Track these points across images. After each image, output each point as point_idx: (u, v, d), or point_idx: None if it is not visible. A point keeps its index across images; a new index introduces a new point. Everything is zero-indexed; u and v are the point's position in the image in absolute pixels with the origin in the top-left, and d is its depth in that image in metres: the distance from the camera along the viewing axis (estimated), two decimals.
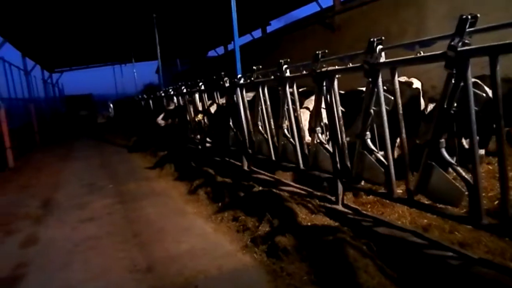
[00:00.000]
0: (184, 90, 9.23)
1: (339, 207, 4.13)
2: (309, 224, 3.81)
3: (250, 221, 4.44)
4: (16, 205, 6.87)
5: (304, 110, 5.06)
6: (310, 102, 5.63)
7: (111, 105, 33.89)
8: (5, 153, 11.10)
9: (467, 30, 2.33)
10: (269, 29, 21.68)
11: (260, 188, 5.23)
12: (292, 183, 5.21)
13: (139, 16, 15.28)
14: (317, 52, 3.80)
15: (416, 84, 4.79)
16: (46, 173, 10.04)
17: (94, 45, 21.85)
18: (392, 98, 3.18)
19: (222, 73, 6.91)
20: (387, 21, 11.78)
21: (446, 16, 9.59)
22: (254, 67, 5.43)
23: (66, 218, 5.79)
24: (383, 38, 3.00)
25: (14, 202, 7.11)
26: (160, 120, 9.69)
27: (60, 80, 32.80)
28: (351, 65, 3.60)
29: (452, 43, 2.39)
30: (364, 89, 4.03)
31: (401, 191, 3.68)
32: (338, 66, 3.88)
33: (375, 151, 3.50)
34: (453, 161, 2.72)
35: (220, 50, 27.98)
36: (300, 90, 4.84)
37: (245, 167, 6.66)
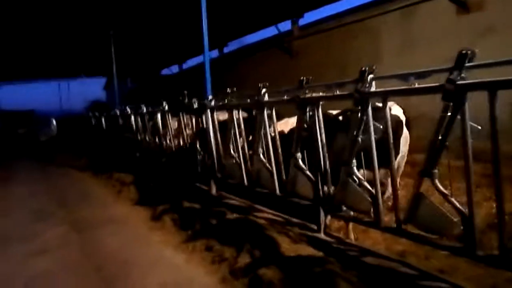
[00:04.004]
0: (145, 110, 8.83)
1: (321, 235, 4.05)
2: (293, 254, 3.66)
3: (227, 252, 4.19)
4: None
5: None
6: (282, 125, 5.58)
7: (54, 121, 31.69)
8: None
9: (466, 64, 2.39)
10: (226, 50, 21.77)
11: (235, 215, 5.01)
12: (266, 209, 5.06)
13: (94, 32, 14.65)
14: (302, 78, 3.77)
15: (395, 110, 4.47)
16: None
17: (38, 58, 20.52)
18: (381, 126, 3.19)
19: (185, 92, 6.71)
20: (343, 48, 12.34)
21: (399, 46, 10.25)
22: (228, 90, 5.30)
23: (12, 251, 5.12)
24: (374, 67, 3.02)
25: None
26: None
27: None
28: (338, 92, 3.59)
29: (451, 76, 2.43)
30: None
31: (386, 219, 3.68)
32: (322, 92, 3.87)
33: (361, 179, 3.48)
34: (447, 192, 2.75)
35: (175, 68, 27.55)
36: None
37: (213, 192, 6.40)
